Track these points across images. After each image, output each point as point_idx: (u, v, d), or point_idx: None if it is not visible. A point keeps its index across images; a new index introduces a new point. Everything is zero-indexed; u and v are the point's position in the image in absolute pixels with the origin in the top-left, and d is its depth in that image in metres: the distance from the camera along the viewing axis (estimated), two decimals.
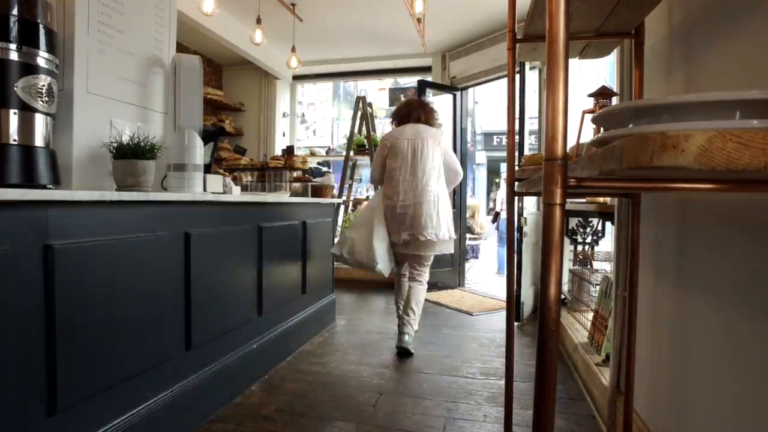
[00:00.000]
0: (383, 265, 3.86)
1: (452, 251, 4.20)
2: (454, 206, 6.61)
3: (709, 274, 1.56)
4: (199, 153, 2.70)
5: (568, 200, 0.86)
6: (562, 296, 4.29)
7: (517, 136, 4.71)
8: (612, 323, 2.62)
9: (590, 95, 1.76)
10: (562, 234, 0.86)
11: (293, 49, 5.77)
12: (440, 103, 7.02)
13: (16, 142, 1.93)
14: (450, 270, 6.63)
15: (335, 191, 6.25)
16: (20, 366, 1.63)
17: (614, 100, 1.76)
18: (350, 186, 7.30)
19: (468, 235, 8.03)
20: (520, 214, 4.70)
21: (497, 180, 22.40)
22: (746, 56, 1.33)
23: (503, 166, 20.96)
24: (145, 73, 2.77)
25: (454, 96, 6.80)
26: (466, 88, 6.94)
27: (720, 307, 1.48)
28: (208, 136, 2.98)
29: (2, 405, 1.56)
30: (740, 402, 1.34)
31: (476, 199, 13.22)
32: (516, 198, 2.38)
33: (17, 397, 1.62)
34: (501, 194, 9.69)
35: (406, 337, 3.83)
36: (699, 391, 1.60)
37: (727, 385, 1.42)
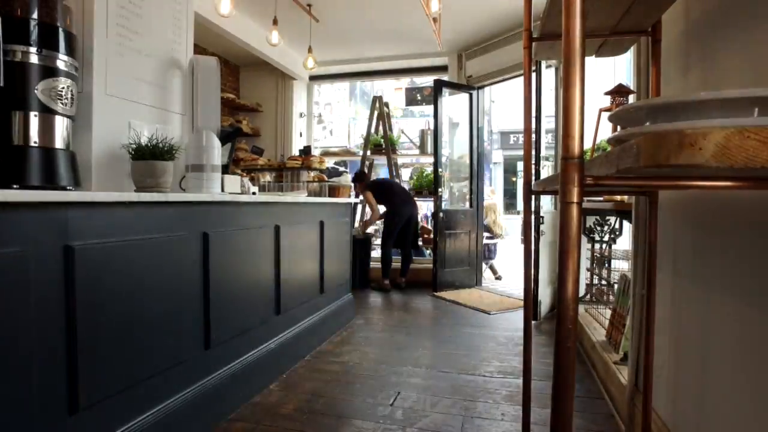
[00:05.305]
0: None
1: None
2: (471, 205, 6.69)
3: (728, 273, 1.54)
4: (217, 154, 2.72)
5: (585, 198, 0.86)
6: (580, 295, 4.27)
7: (533, 135, 4.69)
8: (630, 321, 2.60)
9: (607, 93, 1.76)
10: (579, 232, 0.85)
11: (310, 50, 5.77)
12: (456, 102, 7.01)
13: (36, 144, 1.95)
14: (467, 269, 6.61)
15: (352, 191, 6.29)
16: (42, 365, 1.65)
17: (631, 98, 1.75)
18: None
19: (485, 234, 7.98)
20: (537, 213, 4.68)
21: (513, 179, 22.33)
22: (765, 53, 1.31)
23: (520, 165, 20.92)
24: (163, 75, 2.80)
25: (471, 95, 6.77)
26: (483, 87, 6.90)
27: (739, 306, 1.46)
28: (225, 137, 3.00)
29: (25, 403, 1.59)
30: (760, 402, 1.33)
31: (493, 199, 13.12)
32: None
33: (39, 395, 1.65)
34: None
35: None
36: (718, 390, 1.59)
37: (747, 384, 1.41)
